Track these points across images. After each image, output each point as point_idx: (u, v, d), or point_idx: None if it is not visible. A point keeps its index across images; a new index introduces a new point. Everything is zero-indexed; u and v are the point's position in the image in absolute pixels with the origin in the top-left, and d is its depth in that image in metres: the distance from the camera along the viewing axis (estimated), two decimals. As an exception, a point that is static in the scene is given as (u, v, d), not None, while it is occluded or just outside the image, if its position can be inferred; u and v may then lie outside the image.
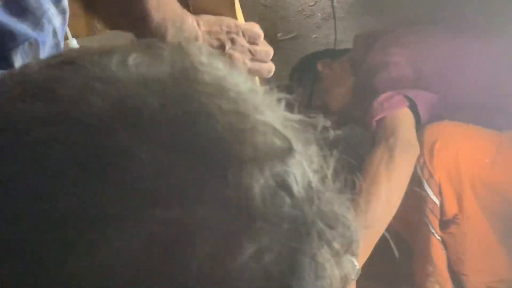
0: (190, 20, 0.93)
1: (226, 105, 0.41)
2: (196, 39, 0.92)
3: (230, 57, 0.94)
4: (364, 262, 1.68)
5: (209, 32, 0.94)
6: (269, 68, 1.01)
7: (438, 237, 1.84)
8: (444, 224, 1.86)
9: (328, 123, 0.47)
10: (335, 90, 2.25)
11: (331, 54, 2.50)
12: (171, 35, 0.89)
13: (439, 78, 2.03)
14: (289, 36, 3.42)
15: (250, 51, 0.97)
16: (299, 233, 0.40)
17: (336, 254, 0.45)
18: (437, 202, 1.82)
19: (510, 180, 1.90)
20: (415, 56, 2.06)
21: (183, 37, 0.90)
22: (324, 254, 0.43)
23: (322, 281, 0.42)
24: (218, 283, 0.37)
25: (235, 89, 0.43)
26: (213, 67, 0.44)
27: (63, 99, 0.41)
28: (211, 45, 0.94)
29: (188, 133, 0.40)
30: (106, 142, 0.39)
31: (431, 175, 1.86)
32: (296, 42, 3.39)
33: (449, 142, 1.91)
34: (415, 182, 1.83)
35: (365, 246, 1.72)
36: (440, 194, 1.84)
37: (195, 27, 0.93)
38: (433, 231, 1.84)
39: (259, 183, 0.39)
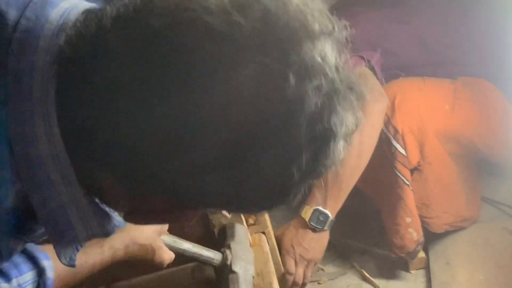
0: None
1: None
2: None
3: None
4: (336, 214, 1.74)
5: None
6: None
7: (411, 188, 1.87)
8: (410, 173, 1.90)
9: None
10: None
11: None
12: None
13: (385, 39, 2.03)
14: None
15: None
16: (335, 88, 0.65)
17: (353, 107, 0.67)
18: (405, 154, 1.85)
19: (469, 121, 1.94)
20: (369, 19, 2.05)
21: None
22: (347, 105, 0.66)
23: (343, 120, 0.66)
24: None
25: None
26: None
27: None
28: None
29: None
30: None
31: (396, 130, 1.88)
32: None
33: (408, 95, 1.93)
34: (383, 140, 1.85)
35: (337, 199, 1.78)
36: (405, 146, 1.87)
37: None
38: (407, 182, 1.86)
39: (318, 51, 0.64)
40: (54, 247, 0.76)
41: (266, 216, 1.44)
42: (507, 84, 2.02)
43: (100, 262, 1.10)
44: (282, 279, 1.64)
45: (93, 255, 1.09)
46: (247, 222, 1.43)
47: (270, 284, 1.33)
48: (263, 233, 1.45)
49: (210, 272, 1.39)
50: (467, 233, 1.99)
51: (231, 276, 1.23)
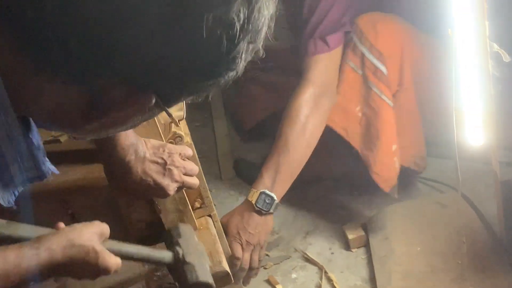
0: (141, 143, 1.26)
1: None
2: (145, 156, 1.26)
3: (170, 170, 1.27)
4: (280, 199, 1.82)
5: (154, 152, 1.28)
6: (196, 182, 1.33)
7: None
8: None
9: None
10: None
11: None
12: (130, 154, 1.23)
13: None
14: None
15: (184, 167, 1.30)
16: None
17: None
18: (385, 72, 1.92)
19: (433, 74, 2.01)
20: None
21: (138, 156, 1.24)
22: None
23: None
24: None
25: None
26: None
27: None
28: (156, 161, 1.27)
29: None
30: None
31: (380, 53, 1.92)
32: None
33: (389, 23, 1.96)
34: (366, 66, 1.92)
35: (284, 184, 1.84)
36: (387, 68, 1.93)
37: (144, 148, 1.26)
38: (391, 104, 1.94)
39: None
40: None
41: (211, 199, 1.47)
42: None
43: (35, 265, 0.99)
44: (230, 264, 1.67)
45: (27, 257, 0.97)
46: (193, 206, 1.45)
47: (220, 262, 1.36)
48: (210, 216, 1.47)
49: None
50: (403, 208, 2.08)
51: (186, 266, 1.23)
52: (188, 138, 1.39)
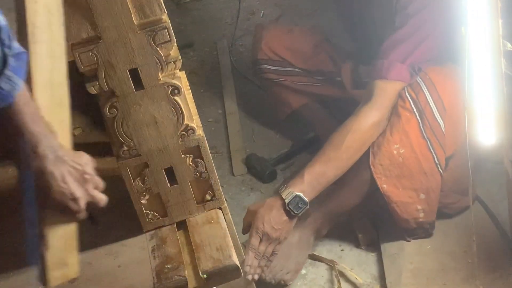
0: (57, 140, 1.15)
1: None
2: (61, 157, 1.13)
3: (85, 182, 1.17)
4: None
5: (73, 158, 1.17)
6: (104, 198, 1.23)
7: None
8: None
9: None
10: None
11: None
12: (43, 146, 1.10)
13: None
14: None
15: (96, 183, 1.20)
16: None
17: None
18: (443, 128, 1.81)
19: None
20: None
21: (52, 150, 1.11)
22: None
23: None
24: None
25: None
26: None
27: None
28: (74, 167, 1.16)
29: None
30: None
31: (443, 106, 1.81)
32: (201, 2, 3.42)
33: (453, 80, 1.82)
34: (422, 112, 1.82)
35: (317, 193, 1.81)
36: (444, 124, 1.83)
37: (62, 146, 1.15)
38: (441, 169, 1.83)
39: None
40: None
41: (221, 192, 1.48)
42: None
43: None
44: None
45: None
46: (203, 199, 1.46)
47: (230, 256, 1.37)
48: (220, 209, 1.48)
49: (170, 249, 1.42)
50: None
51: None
52: (200, 131, 1.40)
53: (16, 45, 0.99)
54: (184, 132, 1.37)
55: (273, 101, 2.44)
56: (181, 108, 1.34)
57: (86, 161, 1.20)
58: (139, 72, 1.28)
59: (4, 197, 1.68)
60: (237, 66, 2.90)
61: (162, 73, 1.30)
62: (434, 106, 1.85)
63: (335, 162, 1.85)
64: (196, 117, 1.43)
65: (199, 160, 1.41)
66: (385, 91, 1.88)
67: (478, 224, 1.83)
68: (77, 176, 1.16)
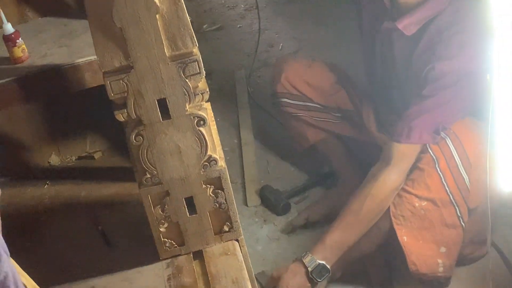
0: None
1: None
2: None
3: None
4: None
5: None
6: None
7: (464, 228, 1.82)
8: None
9: None
10: None
11: None
12: None
13: None
14: (214, 27, 3.49)
15: None
16: None
17: None
18: (468, 183, 1.79)
19: None
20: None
21: None
22: None
23: None
24: None
25: None
26: None
27: None
28: None
29: None
30: None
31: (468, 161, 1.79)
32: (221, 32, 3.46)
33: (470, 133, 1.82)
34: (448, 166, 1.79)
35: (337, 258, 1.84)
36: (470, 180, 1.80)
37: None
38: (463, 223, 1.79)
39: None
40: None
41: (239, 224, 1.49)
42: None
43: None
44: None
45: None
46: (221, 230, 1.47)
47: (245, 289, 1.38)
48: (237, 240, 1.49)
49: (186, 279, 1.42)
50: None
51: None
52: (222, 162, 1.41)
53: None
54: (207, 163, 1.39)
55: (291, 134, 2.45)
56: (205, 139, 1.36)
57: None
58: (167, 102, 1.30)
59: (22, 216, 1.69)
60: (254, 96, 2.92)
61: (189, 104, 1.32)
62: (459, 160, 1.82)
63: (356, 227, 1.87)
64: (219, 148, 1.44)
65: (219, 191, 1.43)
66: (405, 155, 1.86)
67: (493, 270, 1.82)
68: None
